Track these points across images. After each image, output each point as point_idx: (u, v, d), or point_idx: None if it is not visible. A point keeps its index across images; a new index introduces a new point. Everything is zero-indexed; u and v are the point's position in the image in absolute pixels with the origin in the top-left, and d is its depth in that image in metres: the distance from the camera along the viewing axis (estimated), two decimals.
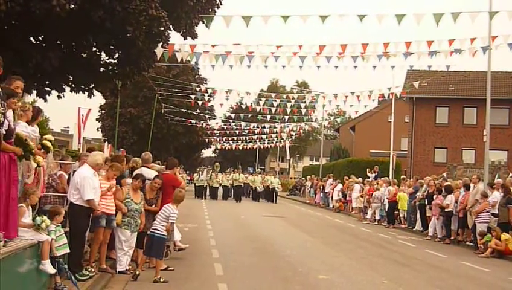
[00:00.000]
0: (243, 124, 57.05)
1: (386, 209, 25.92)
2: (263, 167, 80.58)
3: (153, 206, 11.99)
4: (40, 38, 15.13)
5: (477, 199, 18.36)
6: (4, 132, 7.10)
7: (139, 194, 11.49)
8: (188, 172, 72.76)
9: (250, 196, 43.85)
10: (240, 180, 42.15)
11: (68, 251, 9.06)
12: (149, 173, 12.43)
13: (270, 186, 41.58)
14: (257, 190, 41.94)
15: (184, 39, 17.74)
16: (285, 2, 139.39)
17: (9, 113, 7.41)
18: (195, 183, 43.80)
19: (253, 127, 57.37)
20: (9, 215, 7.30)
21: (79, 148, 24.12)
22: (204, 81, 54.30)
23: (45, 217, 8.40)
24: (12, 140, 7.46)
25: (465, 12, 18.93)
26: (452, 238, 20.09)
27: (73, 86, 17.14)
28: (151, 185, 11.98)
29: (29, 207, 8.48)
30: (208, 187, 41.70)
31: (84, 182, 9.85)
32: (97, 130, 54.46)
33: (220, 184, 42.08)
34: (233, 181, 41.92)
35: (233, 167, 57.37)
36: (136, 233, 11.32)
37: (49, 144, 9.37)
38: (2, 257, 6.90)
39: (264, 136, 61.73)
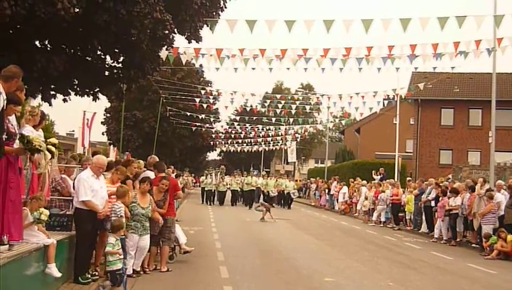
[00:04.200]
0: (248, 126, 57.05)
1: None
2: (268, 170, 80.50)
3: (162, 208, 11.97)
4: (45, 42, 15.20)
5: (482, 197, 18.36)
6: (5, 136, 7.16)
7: (147, 198, 11.34)
8: (193, 175, 72.85)
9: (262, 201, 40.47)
10: (253, 184, 37.97)
11: (119, 267, 9.23)
12: (154, 176, 12.42)
13: (285, 191, 38.41)
14: (270, 194, 37.00)
15: (188, 42, 17.82)
16: (290, 5, 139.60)
17: (12, 118, 7.47)
18: (203, 187, 40.48)
19: (258, 129, 57.34)
20: (10, 219, 7.28)
21: (84, 153, 24.11)
22: (209, 84, 54.44)
23: (42, 209, 8.39)
24: (15, 143, 7.49)
25: (470, 16, 18.90)
26: (458, 240, 20.04)
27: (78, 89, 17.22)
28: (159, 187, 11.95)
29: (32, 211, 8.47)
30: (215, 192, 38.74)
31: (79, 184, 9.84)
32: (102, 133, 54.71)
33: (228, 188, 39.08)
34: (243, 185, 38.23)
35: (240, 169, 56.80)
36: (148, 236, 11.25)
37: (53, 148, 9.39)
38: (7, 261, 6.91)
39: (269, 139, 61.73)
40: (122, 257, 9.39)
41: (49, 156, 8.35)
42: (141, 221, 11.03)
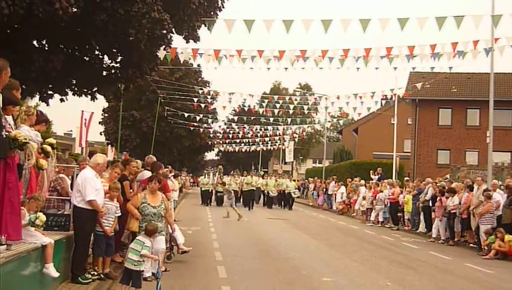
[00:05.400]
0: (246, 126, 57.01)
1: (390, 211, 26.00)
2: (266, 170, 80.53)
3: None
4: (43, 41, 15.18)
5: (481, 200, 18.37)
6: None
7: (157, 196, 10.91)
8: (191, 175, 72.86)
9: (262, 202, 39.37)
10: (253, 184, 36.96)
11: (143, 268, 9.25)
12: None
13: (286, 191, 37.54)
14: (270, 195, 37.59)
15: (186, 42, 17.79)
16: (288, 5, 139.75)
17: (9, 118, 7.45)
18: (201, 188, 39.82)
19: (256, 129, 57.34)
20: (9, 219, 7.25)
21: (82, 152, 24.07)
22: (207, 84, 54.44)
23: (39, 214, 8.36)
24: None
25: (468, 16, 18.92)
26: (456, 240, 20.06)
27: (76, 89, 17.21)
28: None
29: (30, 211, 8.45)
30: (213, 192, 37.60)
31: (85, 183, 9.79)
32: (100, 133, 54.72)
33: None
34: (242, 185, 36.69)
35: (238, 169, 56.58)
36: (162, 238, 10.98)
37: (49, 148, 9.34)
38: (5, 261, 6.89)
39: (267, 139, 61.73)
40: (157, 261, 9.70)
41: (35, 145, 8.27)
42: (152, 221, 10.44)
